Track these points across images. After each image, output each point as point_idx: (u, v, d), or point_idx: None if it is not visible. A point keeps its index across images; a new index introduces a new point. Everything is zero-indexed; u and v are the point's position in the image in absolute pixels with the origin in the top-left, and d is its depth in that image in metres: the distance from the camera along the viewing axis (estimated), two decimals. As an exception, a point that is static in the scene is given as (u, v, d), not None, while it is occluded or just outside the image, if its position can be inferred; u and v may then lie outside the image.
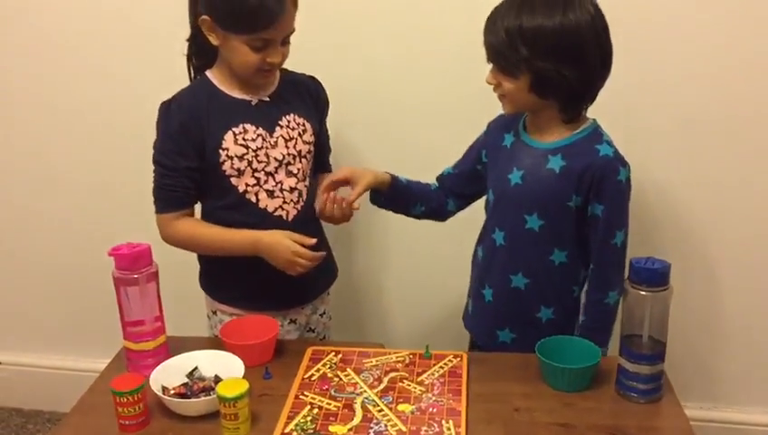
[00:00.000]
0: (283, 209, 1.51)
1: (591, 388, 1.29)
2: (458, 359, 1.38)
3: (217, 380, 1.27)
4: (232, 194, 1.48)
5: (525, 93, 1.36)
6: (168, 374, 1.29)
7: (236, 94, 1.48)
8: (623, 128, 1.72)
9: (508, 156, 1.45)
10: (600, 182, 1.36)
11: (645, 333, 1.24)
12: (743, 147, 1.76)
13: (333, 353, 1.40)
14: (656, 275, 1.20)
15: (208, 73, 1.50)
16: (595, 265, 1.42)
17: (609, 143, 1.40)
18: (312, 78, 1.59)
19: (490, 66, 1.38)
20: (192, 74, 1.53)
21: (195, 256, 1.60)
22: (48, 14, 1.92)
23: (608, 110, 1.69)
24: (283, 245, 1.40)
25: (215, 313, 1.60)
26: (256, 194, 1.49)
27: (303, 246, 1.41)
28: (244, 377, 1.23)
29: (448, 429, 1.18)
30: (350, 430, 1.18)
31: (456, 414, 1.22)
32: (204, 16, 1.40)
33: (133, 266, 1.29)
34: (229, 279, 1.55)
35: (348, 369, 1.36)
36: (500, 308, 1.49)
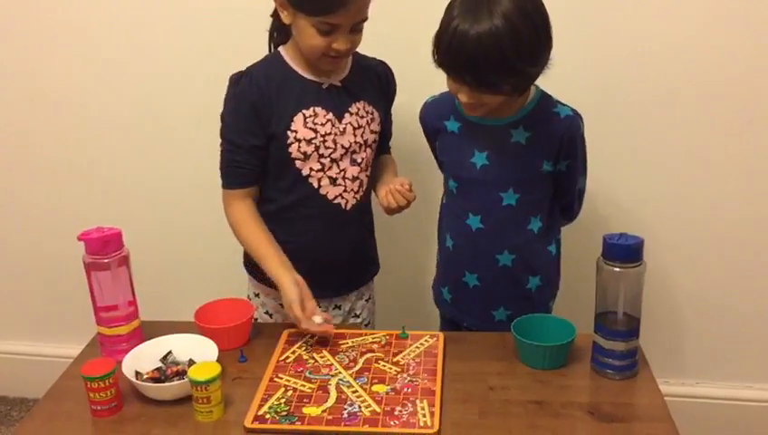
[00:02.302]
0: (342, 198, 1.48)
1: (567, 365, 1.28)
2: (435, 339, 1.37)
3: (191, 364, 1.26)
4: (294, 176, 1.45)
5: (505, 97, 1.33)
6: (142, 359, 1.28)
7: (308, 75, 1.43)
8: (603, 103, 1.72)
9: (461, 141, 1.43)
10: (569, 143, 1.40)
11: (619, 309, 1.23)
12: (721, 123, 1.75)
13: (309, 336, 1.40)
14: (629, 251, 1.19)
15: (281, 50, 1.46)
16: (561, 206, 1.50)
17: (560, 102, 1.41)
18: (383, 63, 1.55)
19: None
20: (271, 50, 1.50)
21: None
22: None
23: (589, 86, 1.69)
24: (285, 297, 1.35)
25: (257, 295, 1.60)
26: (319, 180, 1.46)
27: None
28: (218, 360, 1.22)
29: (422, 408, 1.18)
30: (323, 411, 1.18)
31: (430, 394, 1.21)
32: None
33: (103, 251, 1.28)
34: None
35: (323, 351, 1.35)
36: (490, 290, 1.49)
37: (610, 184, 1.80)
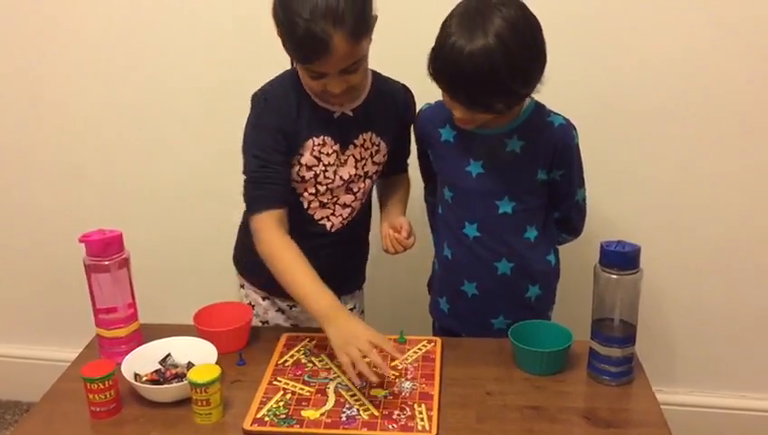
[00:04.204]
0: (328, 220, 1.48)
1: (563, 371, 1.30)
2: (432, 344, 1.38)
3: (190, 366, 1.27)
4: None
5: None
6: (141, 361, 1.28)
7: (320, 102, 1.39)
8: (601, 113, 1.73)
9: (457, 150, 1.44)
10: (563, 151, 1.41)
11: (616, 316, 1.25)
12: (718, 134, 1.76)
13: (308, 340, 1.40)
14: (626, 259, 1.21)
15: (300, 70, 1.37)
16: (559, 218, 1.50)
17: (553, 112, 1.43)
18: (405, 88, 1.51)
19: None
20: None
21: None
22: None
23: (587, 96, 1.69)
24: (360, 337, 1.22)
25: (242, 286, 1.61)
26: (309, 202, 1.46)
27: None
28: (217, 363, 1.23)
29: (420, 413, 1.18)
30: (322, 414, 1.19)
31: (428, 398, 1.22)
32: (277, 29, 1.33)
33: (104, 253, 1.28)
34: (260, 262, 1.43)
35: (322, 354, 1.36)
36: (489, 298, 1.49)
37: (606, 193, 1.81)
